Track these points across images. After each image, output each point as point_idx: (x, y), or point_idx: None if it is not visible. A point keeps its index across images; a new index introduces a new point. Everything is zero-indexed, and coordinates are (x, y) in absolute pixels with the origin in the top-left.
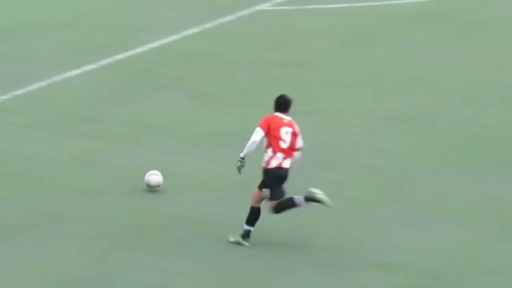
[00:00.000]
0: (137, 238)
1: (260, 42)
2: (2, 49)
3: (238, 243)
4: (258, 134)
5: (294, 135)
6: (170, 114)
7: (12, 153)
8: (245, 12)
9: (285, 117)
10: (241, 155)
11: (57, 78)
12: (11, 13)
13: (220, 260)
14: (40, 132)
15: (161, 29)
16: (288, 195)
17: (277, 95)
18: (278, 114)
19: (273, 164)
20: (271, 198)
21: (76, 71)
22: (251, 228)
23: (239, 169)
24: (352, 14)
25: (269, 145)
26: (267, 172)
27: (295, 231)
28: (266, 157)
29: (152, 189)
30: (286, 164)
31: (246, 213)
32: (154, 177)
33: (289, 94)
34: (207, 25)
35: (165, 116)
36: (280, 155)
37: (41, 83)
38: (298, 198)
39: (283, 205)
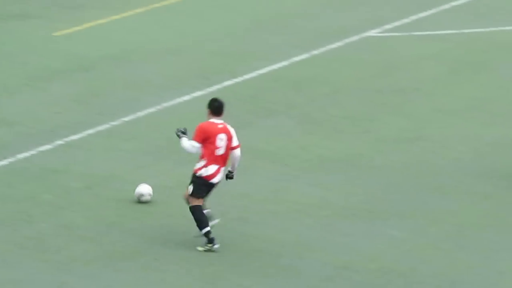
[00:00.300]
0: (246, 263)
1: (369, 69)
2: (112, 75)
3: (210, 250)
4: (194, 149)
5: (229, 139)
6: (278, 140)
7: (120, 179)
8: (353, 38)
9: (219, 122)
10: (182, 142)
11: (166, 104)
12: (120, 39)
13: (328, 286)
14: (148, 158)
15: (270, 56)
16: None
17: (386, 122)
18: (213, 120)
19: (204, 173)
20: (191, 194)
21: (185, 97)
22: (207, 229)
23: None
24: (460, 41)
25: (203, 156)
26: (197, 177)
27: (403, 257)
28: (199, 165)
29: (143, 198)
30: (218, 178)
31: (354, 239)
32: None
33: (397, 120)
34: (316, 51)
35: (273, 142)
36: (213, 167)
37: (150, 109)
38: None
39: (197, 213)
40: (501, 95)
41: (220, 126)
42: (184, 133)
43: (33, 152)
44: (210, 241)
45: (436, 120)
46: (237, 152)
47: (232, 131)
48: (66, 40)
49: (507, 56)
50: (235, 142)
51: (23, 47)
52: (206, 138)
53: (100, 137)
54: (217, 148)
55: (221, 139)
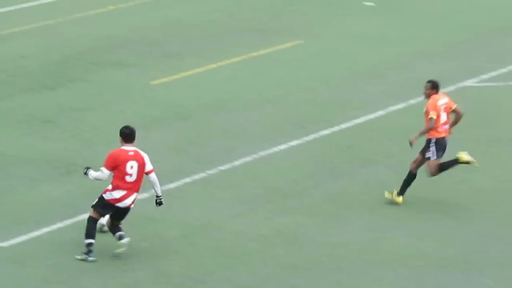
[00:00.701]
0: None
1: (465, 118)
2: (209, 124)
3: (84, 260)
4: (104, 174)
5: (141, 165)
6: (374, 189)
7: (217, 228)
8: (450, 88)
9: (131, 149)
10: (90, 172)
11: (263, 153)
12: (217, 88)
13: None
14: (245, 206)
15: (366, 105)
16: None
17: (483, 172)
18: (124, 147)
19: (108, 197)
20: (93, 206)
21: (282, 146)
22: (91, 241)
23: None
24: None
25: (112, 181)
26: (103, 198)
27: None
28: (108, 187)
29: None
30: (125, 203)
31: None
32: None
33: (494, 170)
34: (412, 101)
35: (369, 192)
36: (120, 192)
37: (247, 158)
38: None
39: (89, 224)
40: None
41: (131, 153)
42: (88, 168)
43: None
44: (88, 252)
45: None
46: (153, 176)
47: (145, 157)
48: (163, 88)
49: None
50: (148, 167)
51: (120, 95)
52: (115, 166)
53: (196, 185)
54: (126, 174)
55: (131, 166)
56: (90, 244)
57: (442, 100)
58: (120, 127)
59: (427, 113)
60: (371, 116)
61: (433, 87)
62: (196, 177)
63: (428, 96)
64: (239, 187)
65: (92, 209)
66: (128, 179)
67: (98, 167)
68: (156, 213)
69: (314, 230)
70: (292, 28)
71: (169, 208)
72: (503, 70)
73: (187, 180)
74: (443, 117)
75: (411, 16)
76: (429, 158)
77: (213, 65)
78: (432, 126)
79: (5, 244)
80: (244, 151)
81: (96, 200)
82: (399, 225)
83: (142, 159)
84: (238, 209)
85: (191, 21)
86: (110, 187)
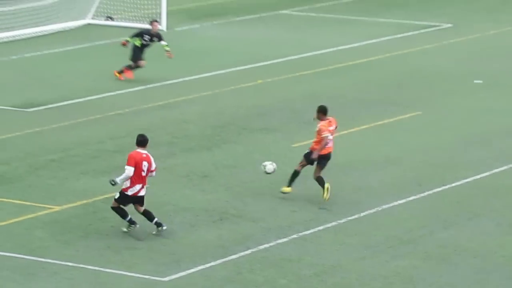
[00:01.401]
0: None
1: None
2: (340, 181)
3: (132, 229)
4: (130, 171)
5: (150, 164)
6: (480, 238)
7: (345, 268)
8: None
9: (143, 152)
10: (117, 180)
11: (385, 206)
12: (348, 150)
13: None
14: (368, 251)
15: (474, 167)
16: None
17: None
18: (139, 150)
19: (130, 192)
20: (116, 200)
21: (401, 201)
22: (128, 217)
23: (112, 184)
24: None
25: (131, 179)
26: (125, 195)
27: None
28: (126, 185)
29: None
30: (142, 193)
31: None
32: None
33: None
34: None
35: (475, 240)
36: (137, 186)
37: (371, 210)
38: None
39: (117, 210)
40: None
41: (144, 155)
42: (112, 179)
43: (272, 243)
44: (132, 223)
45: None
46: (154, 173)
47: (151, 159)
48: (303, 150)
49: None
50: (153, 167)
51: (266, 156)
52: (135, 164)
53: (328, 232)
54: (142, 171)
55: (144, 165)
56: (130, 220)
57: None
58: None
59: None
60: (478, 176)
61: None
62: (328, 225)
63: None
64: (363, 234)
65: (114, 201)
66: (142, 174)
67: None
68: (293, 255)
69: (427, 273)
70: (412, 100)
71: (305, 251)
72: None
73: (321, 227)
74: None
75: None
76: None
77: (345, 132)
78: None
79: (166, 279)
80: (369, 204)
81: (118, 195)
82: (499, 269)
83: (150, 160)
84: (362, 253)
85: (327, 93)
86: (128, 184)
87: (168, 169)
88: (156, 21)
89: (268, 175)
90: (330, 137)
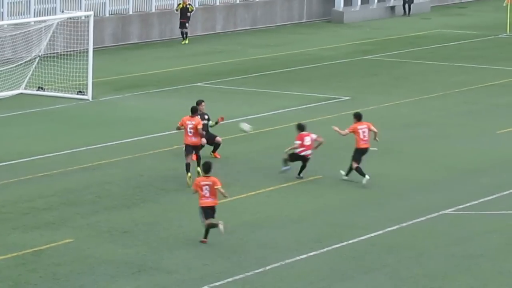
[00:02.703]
0: None
1: (445, 238)
2: (248, 237)
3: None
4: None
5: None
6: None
7: None
8: (433, 215)
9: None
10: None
11: (288, 260)
12: (256, 210)
13: None
14: None
15: (369, 225)
16: None
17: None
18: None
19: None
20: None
21: (303, 256)
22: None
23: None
24: None
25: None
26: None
27: None
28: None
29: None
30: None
31: None
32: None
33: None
34: (404, 224)
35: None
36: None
37: (276, 264)
38: None
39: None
40: None
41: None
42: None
43: None
44: None
45: (499, 282)
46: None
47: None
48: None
49: None
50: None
51: (180, 214)
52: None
53: (236, 284)
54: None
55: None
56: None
57: None
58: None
59: None
60: (373, 234)
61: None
62: (237, 277)
63: None
64: (269, 286)
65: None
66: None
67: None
68: None
69: None
70: (314, 165)
71: None
72: (474, 202)
73: (230, 279)
74: None
75: (404, 159)
76: None
77: (252, 193)
78: None
79: None
80: (274, 259)
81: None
82: None
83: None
84: None
85: (237, 158)
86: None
87: (91, 225)
88: (203, 101)
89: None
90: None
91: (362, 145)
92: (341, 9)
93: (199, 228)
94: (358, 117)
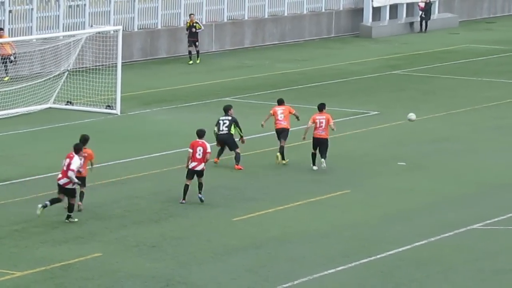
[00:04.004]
0: None
1: (473, 253)
2: (276, 251)
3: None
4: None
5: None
6: None
7: None
8: (461, 229)
9: (200, 140)
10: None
11: (316, 275)
12: (283, 224)
13: None
14: None
15: (397, 240)
16: None
17: None
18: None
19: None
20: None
21: (331, 270)
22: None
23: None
24: None
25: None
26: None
27: None
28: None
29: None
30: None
31: None
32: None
33: None
34: (433, 239)
35: None
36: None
37: (303, 279)
38: None
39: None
40: None
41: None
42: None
43: None
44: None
45: None
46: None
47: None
48: (242, 224)
49: None
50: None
51: (209, 229)
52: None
53: None
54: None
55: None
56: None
57: None
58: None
59: None
60: (400, 249)
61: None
62: None
63: None
64: None
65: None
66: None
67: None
68: None
69: None
70: (341, 180)
71: None
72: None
73: None
74: None
75: (432, 173)
76: None
77: (281, 207)
78: None
79: None
80: (302, 273)
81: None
82: None
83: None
84: None
85: (266, 173)
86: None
87: (119, 239)
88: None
89: None
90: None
91: (316, 134)
92: (369, 24)
93: (228, 242)
94: (319, 107)
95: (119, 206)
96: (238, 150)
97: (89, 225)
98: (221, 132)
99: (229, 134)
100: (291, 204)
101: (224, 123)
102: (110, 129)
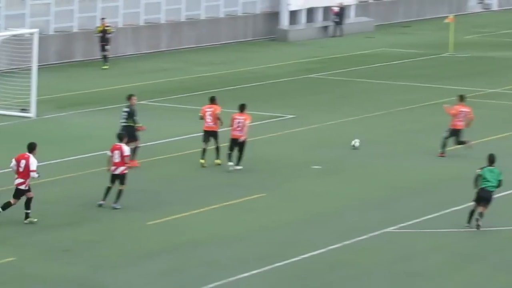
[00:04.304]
0: None
1: (387, 255)
2: (191, 255)
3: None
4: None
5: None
6: None
7: None
8: (375, 233)
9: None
10: None
11: (231, 278)
12: (198, 228)
13: None
14: None
15: (312, 243)
16: None
17: None
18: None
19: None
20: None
21: (246, 274)
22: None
23: None
24: (460, 238)
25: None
26: None
27: None
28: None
29: None
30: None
31: None
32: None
33: None
34: (347, 242)
35: None
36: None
37: (218, 282)
38: None
39: None
40: (489, 283)
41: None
42: None
43: None
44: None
45: None
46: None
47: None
48: (157, 228)
49: (494, 247)
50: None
51: (123, 232)
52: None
53: None
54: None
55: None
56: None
57: None
58: None
59: None
60: (315, 252)
61: None
62: None
63: None
64: None
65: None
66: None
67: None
68: None
69: None
70: (257, 184)
71: None
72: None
73: None
74: None
75: (347, 177)
76: None
77: (195, 211)
78: None
79: None
80: (217, 277)
81: None
82: None
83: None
84: None
85: (180, 176)
86: None
87: (33, 243)
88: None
89: None
90: None
91: (232, 135)
92: (286, 28)
93: (142, 246)
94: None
95: (32, 210)
96: (136, 144)
97: (2, 229)
98: (122, 124)
99: (128, 126)
100: (206, 207)
101: (123, 115)
102: (24, 132)
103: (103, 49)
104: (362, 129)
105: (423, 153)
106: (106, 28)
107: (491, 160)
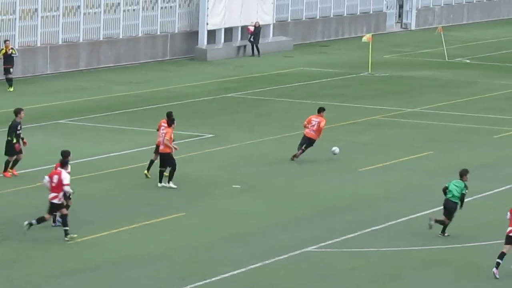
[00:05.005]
0: None
1: (306, 276)
2: (111, 275)
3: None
4: None
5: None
6: None
7: None
8: (295, 252)
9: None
10: None
11: None
12: (118, 248)
13: None
14: None
15: (232, 263)
16: None
17: None
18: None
19: None
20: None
21: None
22: None
23: None
24: (378, 256)
25: None
26: None
27: None
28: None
29: None
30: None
31: None
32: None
33: None
34: (267, 261)
35: None
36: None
37: None
38: None
39: None
40: None
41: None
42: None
43: None
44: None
45: None
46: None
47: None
48: (77, 247)
49: (414, 267)
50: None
51: (44, 252)
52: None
53: None
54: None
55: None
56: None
57: None
58: None
59: None
60: (235, 272)
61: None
62: None
63: None
64: None
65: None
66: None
67: None
68: None
69: None
70: (177, 203)
71: None
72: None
73: None
74: None
75: (267, 196)
76: None
77: (115, 230)
78: None
79: None
80: None
81: None
82: None
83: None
84: None
85: (100, 195)
86: None
87: None
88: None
89: None
90: None
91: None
92: (204, 47)
93: (63, 265)
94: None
95: None
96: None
97: None
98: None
99: (11, 141)
100: (126, 227)
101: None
102: None
103: (7, 71)
104: (281, 148)
105: (343, 172)
106: (10, 49)
107: (460, 174)
